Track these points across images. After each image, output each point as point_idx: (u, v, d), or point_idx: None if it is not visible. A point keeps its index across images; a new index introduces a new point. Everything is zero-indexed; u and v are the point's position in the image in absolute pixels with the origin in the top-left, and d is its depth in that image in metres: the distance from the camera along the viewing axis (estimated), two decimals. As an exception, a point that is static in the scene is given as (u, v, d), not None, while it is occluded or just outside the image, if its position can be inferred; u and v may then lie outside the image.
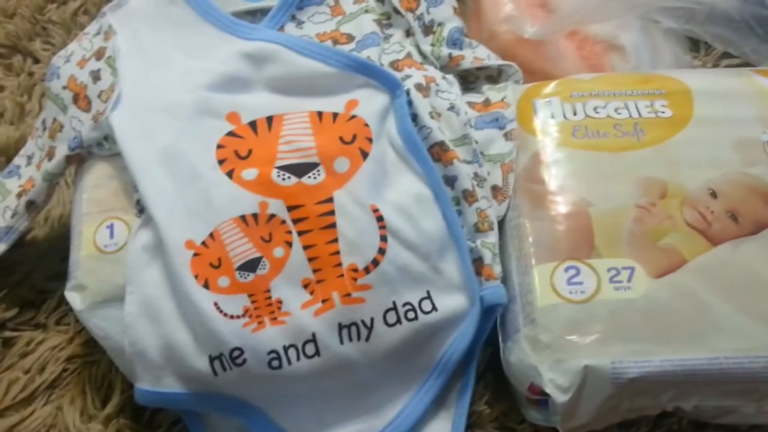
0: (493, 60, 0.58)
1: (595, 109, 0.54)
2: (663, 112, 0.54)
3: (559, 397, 0.44)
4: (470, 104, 0.56)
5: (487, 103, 0.57)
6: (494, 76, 0.59)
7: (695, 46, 0.68)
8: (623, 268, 0.47)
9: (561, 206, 0.50)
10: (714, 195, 0.50)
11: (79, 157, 0.54)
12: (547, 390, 0.44)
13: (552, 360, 0.45)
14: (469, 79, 0.59)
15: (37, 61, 0.72)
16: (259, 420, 0.47)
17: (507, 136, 0.54)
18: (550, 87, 0.56)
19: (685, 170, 0.51)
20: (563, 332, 0.45)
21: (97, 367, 0.52)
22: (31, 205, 0.54)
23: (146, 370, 0.47)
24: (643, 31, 0.65)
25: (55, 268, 0.56)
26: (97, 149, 0.53)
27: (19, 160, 0.59)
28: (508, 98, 0.56)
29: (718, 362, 0.44)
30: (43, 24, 0.73)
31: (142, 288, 0.48)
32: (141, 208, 0.50)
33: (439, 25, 0.59)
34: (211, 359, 0.46)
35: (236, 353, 0.46)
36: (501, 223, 0.52)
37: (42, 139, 0.56)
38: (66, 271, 0.52)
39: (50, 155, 0.55)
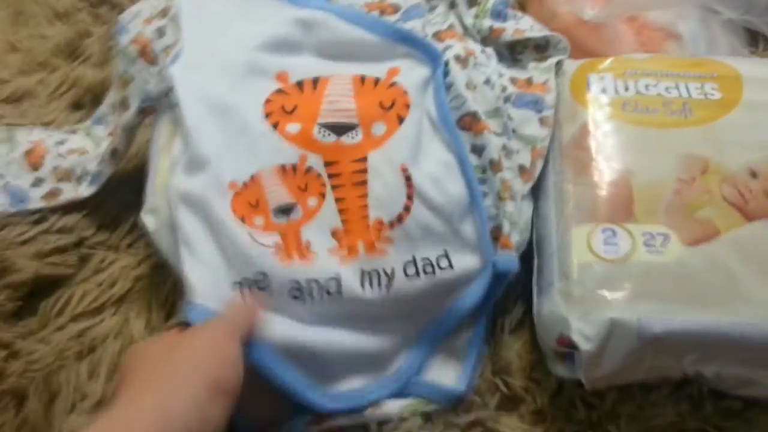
0: (535, 32, 0.60)
1: (646, 86, 0.57)
2: (712, 95, 0.56)
3: (585, 346, 0.47)
4: (513, 80, 0.59)
5: (529, 82, 0.59)
6: (542, 44, 0.61)
7: (754, 40, 0.70)
8: (658, 234, 0.49)
9: (604, 173, 0.53)
10: (754, 175, 0.52)
11: (152, 109, 0.58)
12: (574, 338, 0.47)
13: (581, 311, 0.48)
14: (517, 49, 0.61)
15: (122, 11, 0.77)
16: (273, 359, 0.49)
17: (542, 121, 0.57)
18: (606, 63, 0.58)
19: (729, 150, 0.53)
20: (594, 287, 0.48)
21: (162, 286, 0.57)
22: (114, 153, 0.60)
23: (193, 291, 0.50)
24: (702, 21, 0.67)
25: (128, 198, 0.61)
26: (165, 100, 0.57)
27: (104, 108, 0.64)
28: (551, 82, 0.58)
29: (741, 327, 0.46)
30: (130, -22, 0.78)
31: (181, 225, 0.52)
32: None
33: None
34: (242, 280, 0.50)
35: (260, 276, 0.50)
36: (544, 186, 0.55)
37: (117, 90, 0.61)
38: (138, 202, 0.56)
39: (124, 105, 0.60)
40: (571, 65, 0.59)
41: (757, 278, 0.48)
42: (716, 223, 0.50)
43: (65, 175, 0.61)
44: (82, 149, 0.63)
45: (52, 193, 0.61)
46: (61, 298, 0.56)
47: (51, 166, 0.62)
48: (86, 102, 0.69)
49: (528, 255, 0.55)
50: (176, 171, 0.54)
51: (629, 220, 0.50)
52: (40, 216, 0.59)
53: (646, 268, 0.48)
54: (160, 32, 0.59)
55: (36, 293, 0.56)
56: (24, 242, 0.57)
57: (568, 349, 0.49)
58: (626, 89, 0.56)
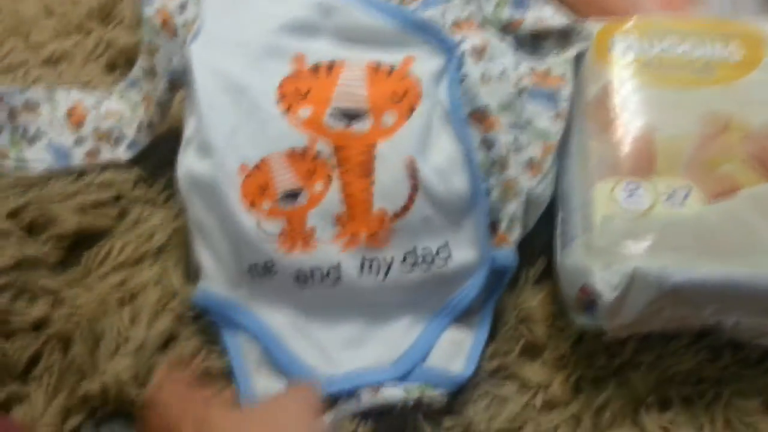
0: (557, 20, 0.59)
1: (669, 46, 0.57)
2: (735, 54, 0.57)
3: (607, 294, 0.48)
4: (531, 70, 0.59)
5: (547, 73, 0.59)
6: (565, 32, 0.60)
7: (779, 2, 0.70)
8: (680, 188, 0.51)
9: (627, 130, 0.54)
10: (776, 132, 0.53)
11: (181, 83, 0.59)
12: (598, 288, 0.49)
13: (604, 262, 0.49)
14: (540, 36, 0.60)
15: (154, -24, 0.78)
16: (278, 346, 0.53)
17: (556, 116, 0.57)
18: (629, 23, 0.59)
19: (751, 108, 0.54)
20: (617, 240, 0.50)
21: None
22: (151, 125, 0.62)
23: (204, 273, 0.55)
24: (726, -18, 0.67)
25: (165, 155, 0.63)
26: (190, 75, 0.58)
27: (136, 71, 0.66)
28: (568, 75, 0.58)
29: (759, 278, 0.48)
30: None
31: (192, 208, 0.56)
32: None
33: None
34: (249, 267, 0.54)
35: (269, 264, 0.53)
36: (568, 144, 0.57)
37: (145, 57, 0.63)
38: (174, 158, 0.58)
39: (152, 73, 0.62)
40: (595, 26, 0.60)
41: (776, 233, 0.49)
42: (737, 178, 0.51)
43: (104, 137, 0.64)
44: (118, 112, 0.65)
45: (93, 152, 0.63)
46: (102, 249, 0.58)
47: (91, 126, 0.64)
48: (121, 64, 0.71)
49: (552, 209, 0.57)
50: (188, 151, 0.56)
51: (651, 175, 0.52)
52: (80, 172, 0.62)
53: (667, 222, 0.50)
54: (182, 7, 0.60)
55: (79, 245, 0.59)
56: (67, 196, 0.60)
57: (590, 299, 0.51)
58: (649, 49, 0.57)
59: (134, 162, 0.63)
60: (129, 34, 0.72)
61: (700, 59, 0.57)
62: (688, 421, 0.51)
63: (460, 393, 0.53)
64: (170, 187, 0.62)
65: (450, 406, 0.52)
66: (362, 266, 0.53)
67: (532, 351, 0.55)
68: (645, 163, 0.52)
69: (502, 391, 0.53)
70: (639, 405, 0.52)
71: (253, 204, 0.54)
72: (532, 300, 0.56)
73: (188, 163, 0.56)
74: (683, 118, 0.54)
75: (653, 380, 0.52)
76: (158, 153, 0.63)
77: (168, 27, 0.59)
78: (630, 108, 0.55)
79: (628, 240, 0.50)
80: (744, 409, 0.51)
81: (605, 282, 0.49)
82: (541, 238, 0.57)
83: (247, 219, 0.53)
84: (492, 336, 0.55)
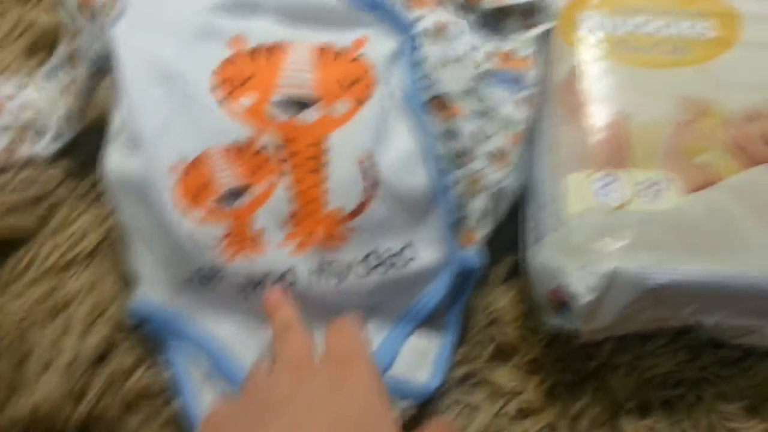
0: None
1: (638, 25, 0.54)
2: (708, 32, 0.54)
3: (583, 298, 0.45)
4: (492, 53, 0.55)
5: (511, 56, 0.55)
6: (529, 10, 0.56)
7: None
8: (657, 180, 0.48)
9: (599, 116, 0.50)
10: (753, 117, 0.50)
11: (105, 70, 0.53)
12: (572, 290, 0.45)
13: (579, 262, 0.46)
14: (502, 13, 0.56)
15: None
16: (226, 358, 0.49)
17: (522, 102, 0.53)
18: (596, 0, 0.56)
19: (727, 91, 0.51)
20: (592, 237, 0.46)
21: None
22: (72, 117, 0.56)
23: (142, 279, 0.50)
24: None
25: (94, 150, 0.56)
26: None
27: (55, 60, 0.60)
28: (534, 56, 0.54)
29: (744, 277, 0.45)
30: None
31: (122, 209, 0.51)
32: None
33: None
34: (191, 274, 0.49)
35: (209, 273, 0.48)
36: (536, 132, 0.53)
37: (65, 42, 0.57)
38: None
39: (72, 62, 0.56)
40: (559, 3, 0.56)
41: (759, 226, 0.46)
42: (716, 168, 0.48)
43: (20, 134, 0.58)
44: (36, 106, 0.59)
45: (10, 148, 0.57)
46: (26, 255, 0.53)
47: (8, 119, 0.58)
48: (42, 47, 0.64)
49: (521, 201, 0.53)
50: (115, 146, 0.51)
51: (627, 166, 0.48)
52: (-3, 172, 0.56)
53: (645, 217, 0.46)
54: None
55: (1, 251, 0.53)
56: (-17, 200, 0.54)
57: (563, 301, 0.48)
58: (617, 28, 0.54)
59: (58, 157, 0.57)
60: (51, 15, 0.65)
61: (672, 38, 0.53)
62: (669, 426, 0.48)
63: (428, 403, 0.49)
64: (101, 183, 0.56)
65: (418, 417, 0.49)
66: (317, 270, 0.49)
67: (502, 354, 0.51)
68: (620, 152, 0.49)
69: (472, 400, 0.50)
70: (618, 411, 0.49)
71: (190, 205, 0.48)
72: (502, 299, 0.52)
73: (115, 159, 0.50)
74: (658, 103, 0.51)
75: (632, 383, 0.49)
76: (86, 146, 0.57)
77: (87, 7, 0.53)
78: (601, 92, 0.52)
79: (605, 237, 0.46)
80: (726, 413, 0.49)
81: (581, 283, 0.45)
82: (510, 231, 0.54)
83: (185, 222, 0.48)
84: (461, 339, 0.51)
